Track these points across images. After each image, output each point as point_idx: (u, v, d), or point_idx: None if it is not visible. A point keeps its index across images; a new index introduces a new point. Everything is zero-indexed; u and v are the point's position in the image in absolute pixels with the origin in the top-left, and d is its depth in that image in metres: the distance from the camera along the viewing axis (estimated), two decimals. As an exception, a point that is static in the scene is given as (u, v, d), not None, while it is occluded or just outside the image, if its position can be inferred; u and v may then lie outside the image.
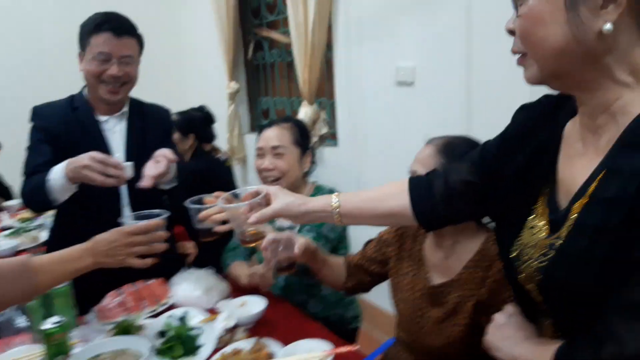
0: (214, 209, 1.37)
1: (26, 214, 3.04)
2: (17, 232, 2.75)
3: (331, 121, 3.34)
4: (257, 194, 1.20)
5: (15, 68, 4.07)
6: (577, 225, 0.75)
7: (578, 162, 0.81)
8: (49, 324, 1.33)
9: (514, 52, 0.82)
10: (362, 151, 2.97)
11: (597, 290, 0.71)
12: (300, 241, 1.49)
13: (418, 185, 1.10)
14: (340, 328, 1.83)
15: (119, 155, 1.82)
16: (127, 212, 1.83)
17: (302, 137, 1.87)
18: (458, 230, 1.37)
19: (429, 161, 1.33)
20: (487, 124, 2.14)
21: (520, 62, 0.81)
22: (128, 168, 1.61)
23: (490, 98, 2.15)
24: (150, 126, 1.91)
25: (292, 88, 3.82)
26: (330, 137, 3.31)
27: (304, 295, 1.80)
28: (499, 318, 0.96)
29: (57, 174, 1.61)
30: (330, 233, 1.78)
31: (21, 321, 1.54)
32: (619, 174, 0.69)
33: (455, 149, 1.33)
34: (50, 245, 1.95)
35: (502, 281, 1.27)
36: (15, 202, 3.29)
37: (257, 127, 4.34)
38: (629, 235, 0.66)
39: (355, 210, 1.13)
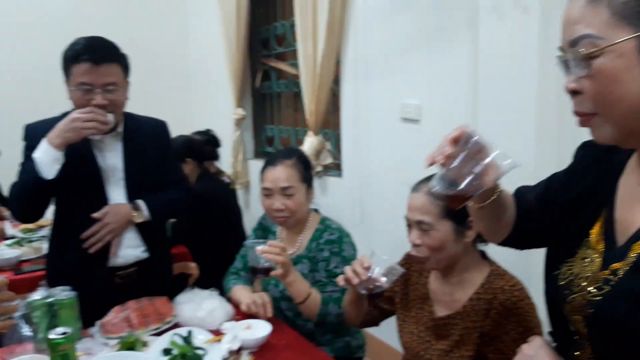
0: (276, 248, 1.60)
1: (29, 225, 3.04)
2: (19, 242, 2.75)
3: (336, 152, 3.40)
4: None
5: (20, 76, 4.16)
6: (636, 266, 0.76)
7: (637, 205, 0.81)
8: (55, 334, 1.33)
9: (579, 113, 0.77)
10: (366, 184, 3.02)
11: None
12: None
13: (519, 202, 1.05)
14: (346, 357, 1.83)
15: (119, 175, 1.83)
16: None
17: (307, 171, 1.85)
18: (464, 266, 1.41)
19: (428, 208, 1.36)
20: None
21: (585, 124, 0.77)
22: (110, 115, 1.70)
23: (496, 139, 2.21)
24: (148, 143, 1.89)
25: (297, 118, 3.89)
26: (335, 168, 3.36)
27: (311, 324, 1.79)
28: (527, 349, 0.94)
29: (42, 148, 1.63)
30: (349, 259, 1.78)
31: (25, 330, 1.54)
32: None
33: None
34: (50, 258, 1.96)
35: (504, 313, 1.30)
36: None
37: (261, 153, 4.39)
38: None
39: (506, 200, 1.01)
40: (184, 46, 5.05)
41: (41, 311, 1.53)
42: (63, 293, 1.57)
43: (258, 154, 4.41)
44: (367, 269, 1.38)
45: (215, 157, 3.29)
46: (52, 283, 1.64)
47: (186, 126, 3.65)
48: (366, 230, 2.99)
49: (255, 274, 1.69)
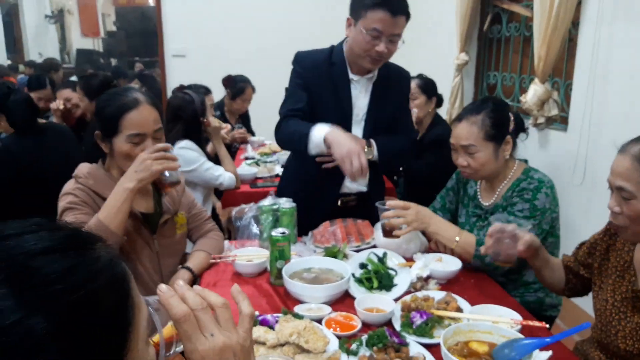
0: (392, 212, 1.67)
1: (266, 149, 3.59)
2: (256, 163, 3.27)
3: (563, 104, 3.10)
4: None
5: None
6: None
7: None
8: (276, 232, 1.59)
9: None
10: (595, 141, 2.71)
11: None
12: (525, 238, 1.41)
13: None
14: (537, 313, 1.76)
15: (362, 114, 1.98)
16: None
17: (496, 128, 1.70)
18: None
19: (631, 175, 1.17)
20: None
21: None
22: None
23: None
24: (392, 90, 2.00)
25: (525, 65, 3.62)
26: (560, 121, 3.08)
27: (502, 278, 1.74)
28: None
29: (318, 134, 1.74)
30: (546, 225, 1.68)
31: (254, 228, 1.87)
32: None
33: None
34: (285, 174, 2.28)
35: None
36: (258, 138, 3.89)
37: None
38: None
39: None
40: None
41: (267, 214, 1.83)
42: (286, 203, 1.85)
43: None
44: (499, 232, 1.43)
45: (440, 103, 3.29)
46: (280, 194, 1.94)
47: (409, 69, 3.72)
48: (587, 192, 2.72)
49: (384, 235, 1.73)
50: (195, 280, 1.64)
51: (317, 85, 1.93)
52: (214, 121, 2.88)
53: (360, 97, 1.97)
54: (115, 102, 1.52)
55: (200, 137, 2.75)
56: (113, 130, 1.51)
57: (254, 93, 4.05)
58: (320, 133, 1.74)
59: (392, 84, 2.00)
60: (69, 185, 1.55)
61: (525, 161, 1.87)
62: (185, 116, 2.68)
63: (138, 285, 0.59)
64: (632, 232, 1.23)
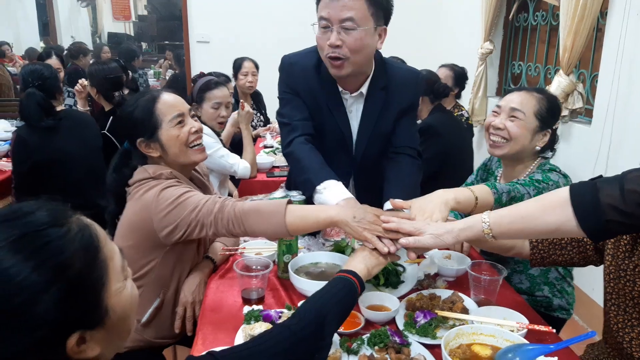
0: None
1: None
2: (274, 152, 3.28)
3: (589, 96, 3.01)
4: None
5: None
6: None
7: None
8: (284, 227, 1.59)
9: None
10: (621, 136, 2.63)
11: None
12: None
13: (580, 192, 1.06)
14: (544, 313, 1.74)
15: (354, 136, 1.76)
16: None
17: (548, 113, 1.68)
18: None
19: None
20: None
21: None
22: None
23: None
24: (389, 103, 1.73)
25: (550, 55, 3.53)
26: (584, 114, 3.00)
27: (510, 273, 1.73)
28: None
29: (328, 198, 1.52)
30: None
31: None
32: None
33: None
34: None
35: None
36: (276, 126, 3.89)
37: (504, 91, 4.15)
38: None
39: (509, 232, 1.16)
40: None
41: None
42: (296, 195, 1.85)
43: (500, 92, 4.18)
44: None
45: (446, 94, 3.20)
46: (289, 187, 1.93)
47: (428, 59, 3.67)
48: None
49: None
50: (214, 270, 1.68)
51: (308, 96, 1.70)
52: (247, 107, 2.92)
53: (352, 117, 1.75)
54: (140, 102, 1.54)
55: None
56: (154, 126, 1.51)
57: (258, 69, 3.96)
58: (331, 199, 1.51)
59: (390, 99, 1.72)
60: (159, 186, 1.45)
61: (546, 157, 1.81)
62: None
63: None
64: None
